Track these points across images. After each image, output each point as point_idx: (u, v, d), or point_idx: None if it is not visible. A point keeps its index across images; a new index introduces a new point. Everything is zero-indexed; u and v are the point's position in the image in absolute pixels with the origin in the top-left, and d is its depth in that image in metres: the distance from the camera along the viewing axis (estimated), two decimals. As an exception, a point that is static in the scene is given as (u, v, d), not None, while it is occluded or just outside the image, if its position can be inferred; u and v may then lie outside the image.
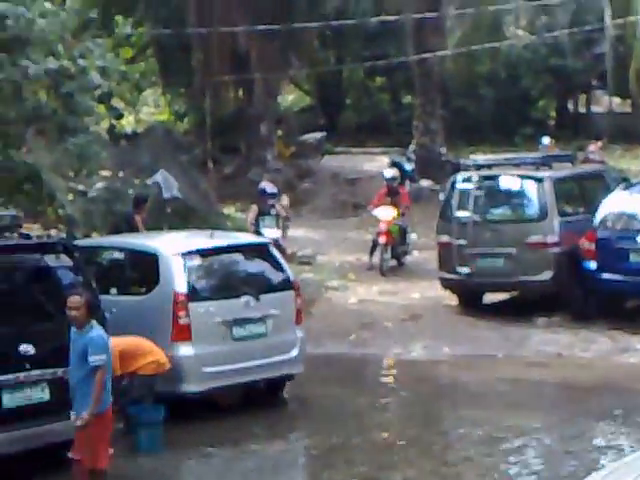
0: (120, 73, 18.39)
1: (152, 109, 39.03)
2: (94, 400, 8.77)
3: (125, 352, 10.60)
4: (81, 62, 16.53)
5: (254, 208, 17.72)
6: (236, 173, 27.13)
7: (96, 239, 15.23)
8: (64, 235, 16.65)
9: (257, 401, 12.10)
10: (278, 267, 12.39)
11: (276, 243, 16.42)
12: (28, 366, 9.39)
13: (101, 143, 18.69)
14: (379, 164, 25.27)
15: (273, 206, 17.71)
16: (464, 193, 16.22)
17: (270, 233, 16.73)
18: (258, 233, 16.52)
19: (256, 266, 12.48)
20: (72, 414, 8.82)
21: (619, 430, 11.11)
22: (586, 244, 15.35)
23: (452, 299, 16.71)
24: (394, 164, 23.60)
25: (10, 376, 9.31)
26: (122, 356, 10.54)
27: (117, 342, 10.31)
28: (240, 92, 30.29)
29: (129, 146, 24.58)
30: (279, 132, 29.22)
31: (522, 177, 16.20)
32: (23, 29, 16.27)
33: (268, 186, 18.17)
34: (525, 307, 16.10)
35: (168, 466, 10.19)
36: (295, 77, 34.53)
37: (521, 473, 9.86)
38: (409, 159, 25.52)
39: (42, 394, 9.50)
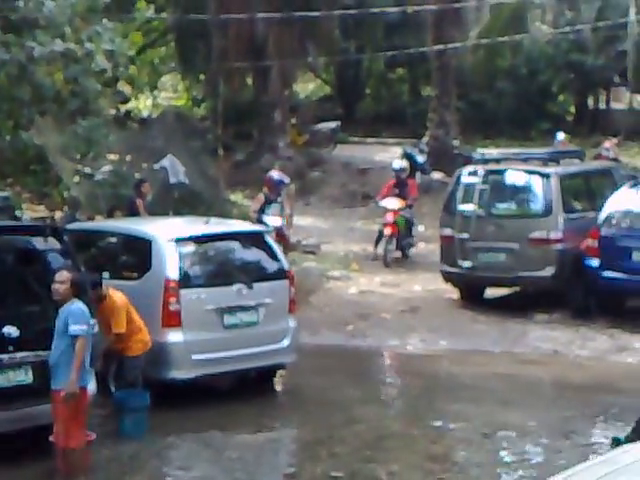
0: (128, 57, 18.36)
1: (171, 94, 39.01)
2: (75, 370, 8.79)
3: (130, 318, 10.78)
4: (88, 45, 16.50)
5: (260, 197, 17.66)
6: (247, 160, 27.07)
7: (91, 223, 15.20)
8: (67, 217, 16.69)
9: (247, 390, 12.06)
10: (273, 256, 12.33)
11: (279, 231, 16.37)
12: (11, 348, 9.36)
13: (110, 127, 18.71)
14: (392, 155, 25.13)
15: (279, 194, 17.63)
16: (469, 187, 16.12)
17: (273, 221, 16.66)
18: (260, 222, 16.43)
19: (250, 254, 12.42)
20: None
21: (613, 429, 10.96)
22: (589, 241, 15.22)
23: (453, 293, 16.63)
24: (406, 155, 23.47)
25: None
26: (128, 319, 10.74)
27: (128, 304, 10.57)
28: (256, 79, 30.19)
29: (140, 130, 24.58)
30: (293, 120, 29.13)
31: (528, 172, 16.08)
32: (32, 10, 16.27)
33: (277, 174, 18.10)
34: (525, 303, 15.99)
35: (151, 451, 10.12)
36: (314, 66, 34.38)
37: (510, 468, 9.76)
38: (421, 151, 25.35)
39: (25, 377, 9.48)
